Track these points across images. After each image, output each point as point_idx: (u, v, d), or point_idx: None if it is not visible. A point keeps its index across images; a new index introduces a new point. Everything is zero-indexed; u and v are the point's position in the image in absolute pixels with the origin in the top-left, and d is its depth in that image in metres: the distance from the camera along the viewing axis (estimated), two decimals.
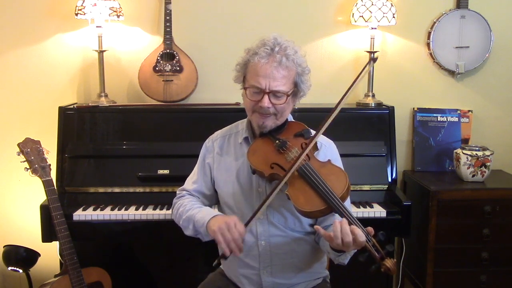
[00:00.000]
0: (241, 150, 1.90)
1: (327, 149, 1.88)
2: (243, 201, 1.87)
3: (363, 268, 1.58)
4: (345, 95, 1.75)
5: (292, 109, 1.89)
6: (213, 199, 2.01)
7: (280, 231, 1.85)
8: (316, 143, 1.79)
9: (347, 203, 1.78)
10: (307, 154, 1.73)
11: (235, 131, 1.97)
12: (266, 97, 1.73)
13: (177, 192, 2.03)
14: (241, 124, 1.96)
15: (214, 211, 1.84)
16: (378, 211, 2.45)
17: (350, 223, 1.57)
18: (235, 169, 1.90)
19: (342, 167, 1.85)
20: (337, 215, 1.65)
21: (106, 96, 2.79)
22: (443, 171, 2.97)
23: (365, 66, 1.74)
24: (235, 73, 1.84)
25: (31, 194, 2.87)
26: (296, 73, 1.77)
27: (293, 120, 1.93)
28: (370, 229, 1.59)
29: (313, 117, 2.35)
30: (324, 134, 1.88)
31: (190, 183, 2.01)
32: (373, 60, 1.76)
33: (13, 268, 2.70)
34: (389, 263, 1.55)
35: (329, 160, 1.78)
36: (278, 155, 1.77)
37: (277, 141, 1.79)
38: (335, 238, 1.56)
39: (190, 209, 1.87)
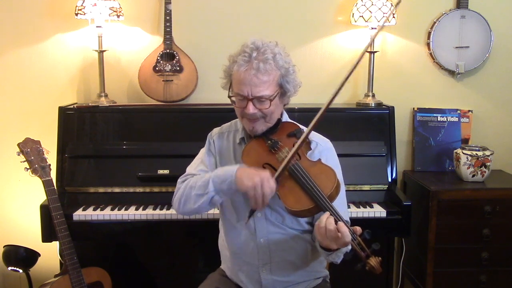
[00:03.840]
0: (239, 150, 1.91)
1: (322, 148, 1.87)
2: (240, 200, 1.87)
3: (352, 265, 1.58)
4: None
5: (285, 108, 1.89)
6: None
7: (279, 229, 1.85)
8: (310, 142, 1.80)
9: (340, 201, 1.76)
10: (298, 154, 1.74)
11: (234, 129, 1.97)
12: (250, 104, 1.74)
13: (179, 180, 1.93)
14: (240, 123, 1.97)
15: (233, 165, 1.78)
16: (378, 211, 2.45)
17: (336, 221, 1.57)
18: None
19: (338, 164, 1.86)
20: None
21: (106, 96, 2.79)
22: (443, 171, 2.97)
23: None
24: (222, 80, 1.85)
25: (31, 194, 2.87)
26: (279, 75, 1.76)
27: (287, 120, 1.93)
28: (356, 228, 1.59)
29: (313, 117, 2.35)
30: (324, 134, 1.88)
31: (194, 167, 1.94)
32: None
33: (13, 268, 2.70)
34: (373, 261, 1.55)
35: (319, 160, 1.78)
36: (270, 155, 1.78)
37: (269, 141, 1.80)
38: (319, 222, 1.58)
39: (202, 177, 1.81)
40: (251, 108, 1.74)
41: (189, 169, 1.97)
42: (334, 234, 1.55)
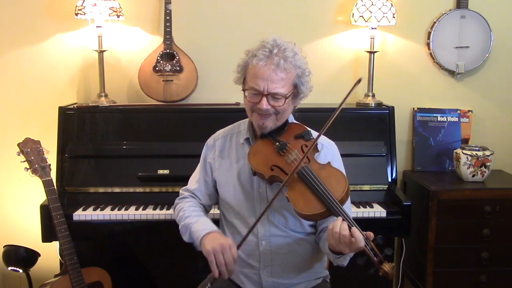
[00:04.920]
0: (242, 151, 1.90)
1: (328, 151, 1.88)
2: (243, 201, 1.87)
3: (363, 269, 1.59)
4: (336, 111, 1.73)
5: (293, 110, 1.89)
6: (214, 199, 2.02)
7: (281, 231, 1.85)
8: (316, 144, 1.80)
9: (347, 205, 1.77)
10: (307, 157, 1.73)
11: (237, 131, 1.97)
12: (264, 99, 1.73)
13: (180, 191, 2.03)
14: (243, 124, 1.96)
15: (210, 224, 1.83)
16: (378, 211, 2.45)
17: (349, 226, 1.58)
18: (236, 169, 1.90)
19: (342, 168, 1.85)
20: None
21: (106, 96, 2.79)
22: (443, 171, 2.97)
23: (353, 86, 1.74)
24: (235, 75, 1.84)
25: (31, 194, 2.87)
26: (295, 75, 1.76)
27: (294, 122, 1.93)
28: (369, 233, 1.59)
29: (313, 117, 2.36)
30: (324, 134, 1.88)
31: (193, 182, 2.01)
32: (358, 82, 1.76)
33: (13, 268, 2.70)
34: (387, 267, 1.55)
35: (329, 163, 1.78)
36: (278, 157, 1.77)
37: (277, 143, 1.79)
38: (334, 227, 1.57)
39: (188, 216, 1.87)
40: (264, 104, 1.73)
41: (189, 181, 2.02)
42: (349, 240, 1.55)
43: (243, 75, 1.81)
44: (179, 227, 1.90)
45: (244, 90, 1.81)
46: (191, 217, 1.86)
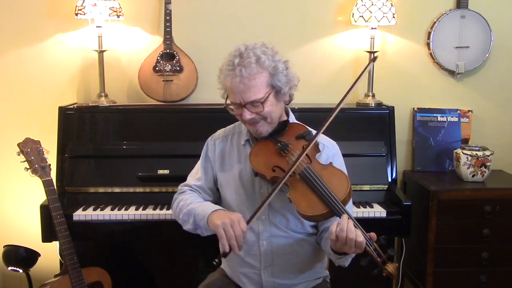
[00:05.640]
0: (244, 152, 1.90)
1: (329, 151, 1.87)
2: (245, 202, 1.87)
3: (364, 269, 1.59)
4: (345, 95, 1.75)
5: (286, 107, 1.89)
6: (215, 196, 2.01)
7: (282, 232, 1.85)
8: (318, 144, 1.80)
9: (349, 205, 1.78)
10: (308, 157, 1.73)
11: (238, 131, 1.97)
12: (245, 110, 1.74)
13: (179, 188, 2.02)
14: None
15: (215, 206, 1.83)
16: (378, 211, 2.45)
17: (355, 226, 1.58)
18: (238, 170, 1.90)
19: (344, 168, 1.86)
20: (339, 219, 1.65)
21: (106, 96, 2.79)
22: (443, 171, 2.97)
23: (366, 66, 1.75)
24: (221, 91, 1.85)
25: (31, 194, 2.87)
26: (267, 75, 1.73)
27: (295, 122, 1.92)
28: (372, 234, 1.59)
29: (313, 117, 2.36)
30: (324, 134, 1.88)
31: (193, 179, 1.99)
32: (373, 60, 1.76)
33: (13, 268, 2.70)
34: (390, 267, 1.56)
35: (330, 163, 1.78)
36: (279, 157, 1.77)
37: (278, 144, 1.79)
38: (340, 231, 1.56)
39: (191, 203, 1.86)
40: (247, 114, 1.74)
41: (189, 178, 2.02)
42: (353, 234, 1.55)
43: (226, 92, 1.82)
44: (181, 216, 1.88)
45: (226, 106, 1.82)
46: (194, 203, 1.86)
